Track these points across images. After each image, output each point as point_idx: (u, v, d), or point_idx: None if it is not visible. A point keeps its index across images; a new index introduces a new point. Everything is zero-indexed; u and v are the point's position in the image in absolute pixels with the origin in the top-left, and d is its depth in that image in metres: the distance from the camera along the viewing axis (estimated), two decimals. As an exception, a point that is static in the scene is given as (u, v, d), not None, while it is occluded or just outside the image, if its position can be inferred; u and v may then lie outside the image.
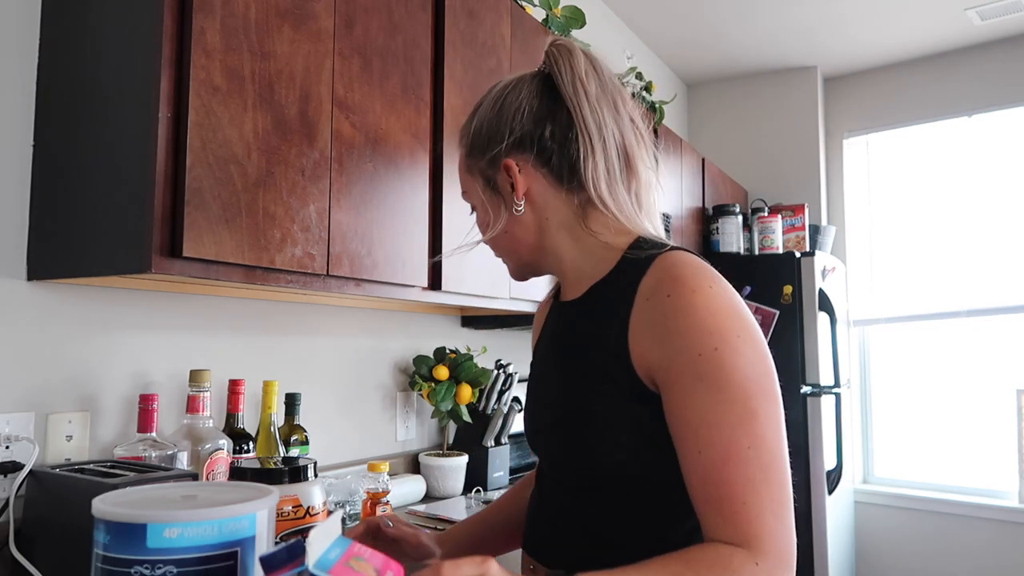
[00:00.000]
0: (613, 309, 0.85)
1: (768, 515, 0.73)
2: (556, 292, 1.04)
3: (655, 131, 2.86)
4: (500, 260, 1.02)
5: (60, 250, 1.28)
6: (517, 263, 0.98)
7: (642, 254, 0.87)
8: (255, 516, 0.54)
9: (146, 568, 0.50)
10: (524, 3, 2.19)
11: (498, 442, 2.19)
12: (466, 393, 2.08)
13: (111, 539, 0.52)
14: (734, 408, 0.75)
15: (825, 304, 3.15)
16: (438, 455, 2.08)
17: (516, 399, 2.22)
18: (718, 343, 0.76)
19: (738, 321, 0.78)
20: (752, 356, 0.77)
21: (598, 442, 0.82)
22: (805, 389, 3.10)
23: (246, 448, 1.47)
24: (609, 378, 0.83)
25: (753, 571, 0.71)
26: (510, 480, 2.25)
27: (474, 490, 2.11)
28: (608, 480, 0.84)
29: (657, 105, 2.86)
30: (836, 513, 3.22)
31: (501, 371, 2.18)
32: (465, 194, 0.99)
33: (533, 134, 0.90)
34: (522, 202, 0.92)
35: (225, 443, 1.37)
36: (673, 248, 0.87)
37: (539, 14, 2.31)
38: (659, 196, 0.96)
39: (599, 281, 0.91)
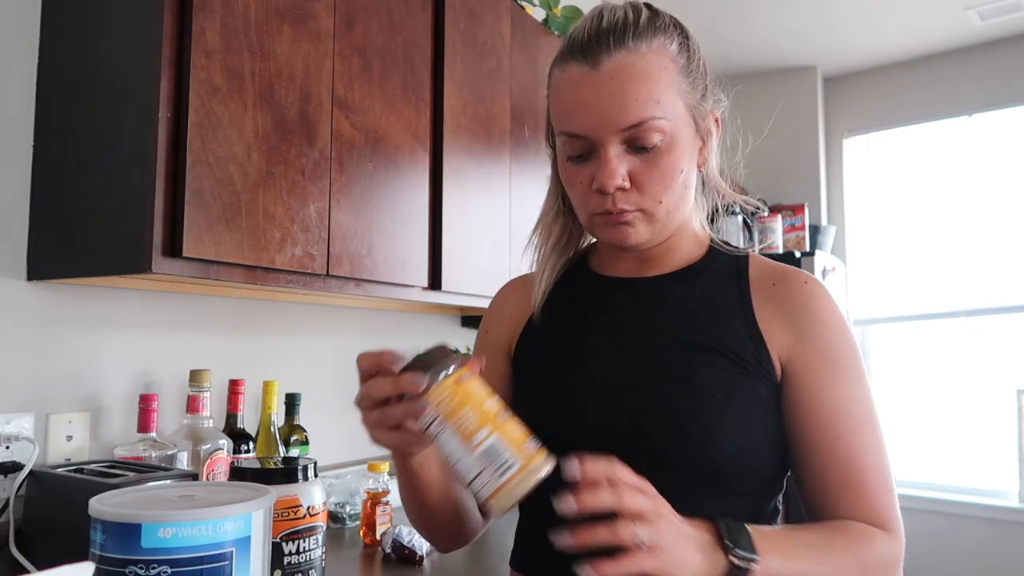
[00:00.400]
0: (725, 293, 0.83)
1: (894, 500, 0.78)
2: (570, 268, 0.94)
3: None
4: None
5: (60, 250, 1.28)
6: (660, 223, 0.81)
7: (731, 247, 0.88)
8: (251, 516, 0.54)
9: (140, 568, 0.51)
10: (524, 3, 2.19)
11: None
12: (466, 393, 2.08)
13: (107, 539, 0.52)
14: (865, 398, 0.79)
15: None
16: (438, 455, 2.07)
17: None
18: (849, 334, 0.81)
19: None
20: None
21: (718, 424, 0.76)
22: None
23: (246, 448, 1.47)
24: (737, 357, 0.79)
25: (889, 549, 0.76)
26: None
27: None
28: (721, 471, 0.76)
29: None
30: (836, 513, 3.21)
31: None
32: (648, 104, 0.76)
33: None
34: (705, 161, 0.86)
35: (225, 443, 1.37)
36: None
37: (539, 14, 2.31)
38: None
39: (694, 263, 0.87)
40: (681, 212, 0.83)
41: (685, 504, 0.75)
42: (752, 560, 0.65)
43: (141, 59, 1.17)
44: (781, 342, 0.80)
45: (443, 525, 0.87)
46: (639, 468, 0.75)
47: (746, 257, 0.87)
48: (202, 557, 0.52)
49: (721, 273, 0.86)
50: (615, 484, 0.62)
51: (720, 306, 0.82)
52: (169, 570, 0.50)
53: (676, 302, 0.84)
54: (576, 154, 0.80)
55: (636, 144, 0.77)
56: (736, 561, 0.65)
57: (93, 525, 0.53)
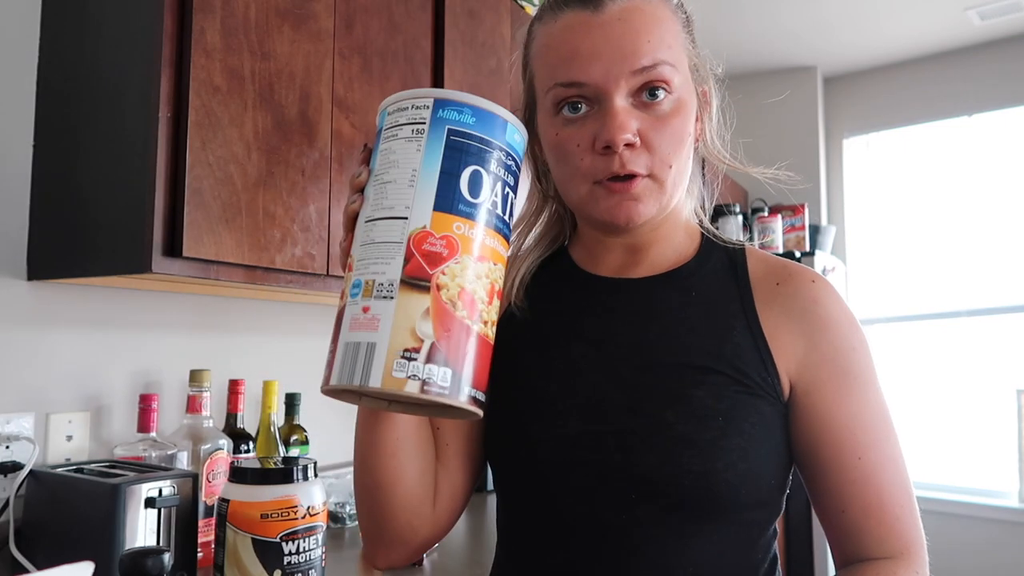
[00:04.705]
0: (724, 296, 0.75)
1: (916, 517, 0.71)
2: (549, 257, 0.85)
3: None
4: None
5: (60, 250, 1.28)
6: (668, 195, 0.73)
7: (724, 240, 0.81)
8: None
9: (501, 154, 0.59)
10: (524, 3, 2.19)
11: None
12: (466, 393, 2.08)
13: (476, 121, 0.58)
14: (882, 408, 0.72)
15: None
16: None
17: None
18: (862, 337, 0.73)
19: None
20: None
21: (719, 452, 0.67)
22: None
23: (246, 448, 1.47)
24: (740, 373, 0.70)
25: None
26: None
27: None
28: (720, 503, 0.68)
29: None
30: (836, 513, 3.21)
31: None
32: (661, 47, 0.71)
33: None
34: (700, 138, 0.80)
35: (225, 443, 1.37)
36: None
37: (539, 14, 2.31)
38: None
39: (688, 261, 0.78)
40: (682, 188, 0.75)
41: (676, 539, 0.68)
42: None
43: (141, 59, 1.17)
44: (790, 356, 0.72)
45: (400, 503, 0.73)
46: (628, 500, 0.69)
47: (743, 251, 0.79)
48: (517, 162, 0.64)
49: (718, 272, 0.77)
50: None
51: (720, 312, 0.74)
52: (513, 166, 0.61)
53: (671, 311, 0.75)
54: (572, 112, 0.71)
55: (646, 91, 0.70)
56: None
57: (453, 107, 0.58)
